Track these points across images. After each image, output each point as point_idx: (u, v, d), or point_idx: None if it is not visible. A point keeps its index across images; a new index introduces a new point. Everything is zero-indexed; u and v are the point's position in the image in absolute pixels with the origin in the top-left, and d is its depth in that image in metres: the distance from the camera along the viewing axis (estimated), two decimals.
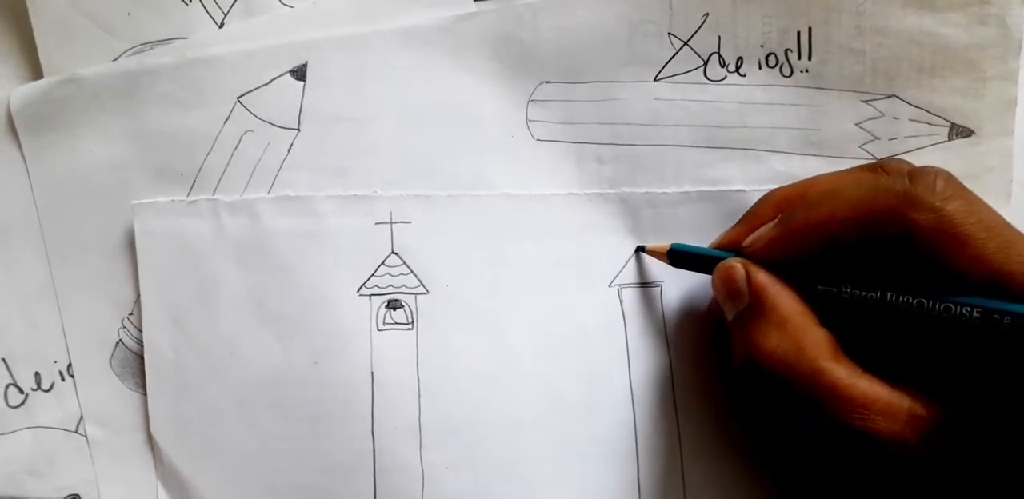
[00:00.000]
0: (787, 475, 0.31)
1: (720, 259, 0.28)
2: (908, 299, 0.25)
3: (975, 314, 0.24)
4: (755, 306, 0.27)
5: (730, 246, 0.29)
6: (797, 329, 0.26)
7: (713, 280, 0.28)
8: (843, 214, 0.25)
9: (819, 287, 0.26)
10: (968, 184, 0.24)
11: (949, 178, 0.25)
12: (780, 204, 0.29)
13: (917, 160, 0.33)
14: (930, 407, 0.24)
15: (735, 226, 0.30)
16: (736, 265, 0.28)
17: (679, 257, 0.30)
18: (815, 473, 0.29)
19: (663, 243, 0.31)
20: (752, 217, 0.30)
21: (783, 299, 0.26)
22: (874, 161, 0.29)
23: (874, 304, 0.26)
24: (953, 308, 0.24)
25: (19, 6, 0.32)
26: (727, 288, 0.28)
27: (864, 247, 0.25)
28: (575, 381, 0.31)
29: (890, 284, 0.25)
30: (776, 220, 0.28)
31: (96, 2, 0.32)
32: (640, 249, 0.32)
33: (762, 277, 0.27)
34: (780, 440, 0.30)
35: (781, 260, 0.27)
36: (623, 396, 0.31)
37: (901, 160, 0.28)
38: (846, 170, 0.30)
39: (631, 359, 0.32)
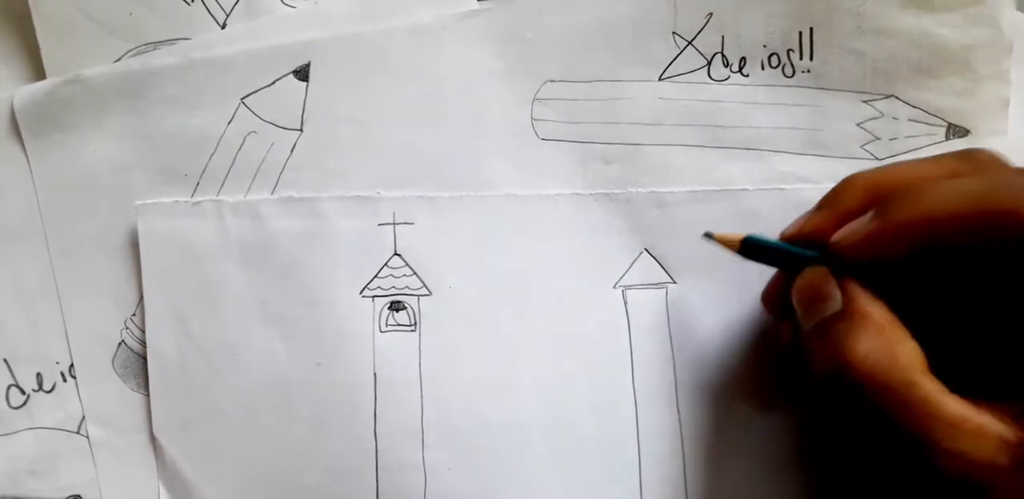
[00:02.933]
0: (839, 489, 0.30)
1: (798, 255, 0.26)
2: (1007, 313, 0.23)
3: None
4: (847, 312, 0.24)
5: (810, 236, 0.26)
6: (892, 338, 0.23)
7: (797, 285, 0.26)
8: (952, 210, 0.22)
9: (909, 295, 0.24)
10: None
11: None
12: (869, 192, 0.25)
13: None
14: (1021, 432, 0.22)
15: (814, 213, 0.27)
16: (825, 269, 0.25)
17: (753, 249, 0.27)
18: (880, 491, 0.27)
19: (735, 233, 0.28)
20: (835, 205, 0.26)
21: (876, 307, 0.24)
22: (961, 151, 0.26)
23: (967, 317, 0.24)
24: None
25: (22, 6, 0.32)
26: (814, 293, 0.25)
27: (966, 250, 0.23)
28: (578, 383, 0.31)
29: (986, 296, 0.23)
30: (871, 213, 0.24)
31: (98, 3, 0.32)
32: (708, 235, 0.28)
33: (854, 283, 0.24)
34: (854, 457, 0.28)
35: (873, 259, 0.24)
36: (626, 398, 0.31)
37: (993, 152, 0.25)
38: (934, 158, 0.26)
39: (635, 361, 0.32)
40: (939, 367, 0.23)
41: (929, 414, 0.22)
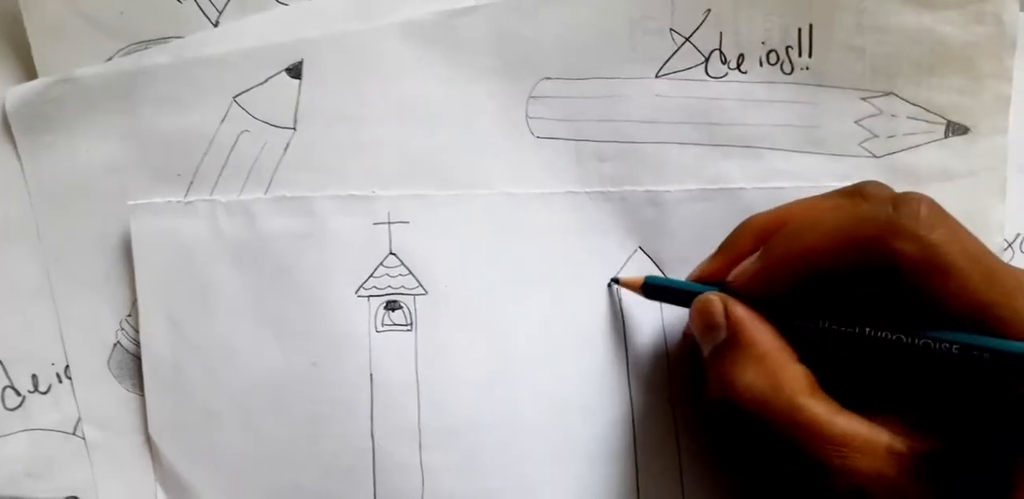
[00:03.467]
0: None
1: (697, 293, 0.28)
2: (887, 335, 0.24)
3: (954, 349, 0.23)
4: (732, 340, 0.26)
5: (709, 279, 0.29)
6: (775, 364, 0.25)
7: (691, 313, 0.28)
8: (824, 245, 0.24)
9: (797, 322, 0.26)
10: (964, 182, 0.24)
11: (932, 205, 0.24)
12: (759, 234, 0.28)
13: (916, 158, 0.32)
14: (910, 442, 0.23)
15: (712, 257, 0.29)
16: (714, 298, 0.27)
17: (654, 290, 0.30)
18: None
19: (637, 276, 0.30)
20: (730, 247, 0.29)
21: (761, 334, 0.26)
22: (852, 186, 0.28)
23: (853, 338, 0.25)
24: (933, 344, 0.24)
25: (12, 5, 0.31)
26: (704, 322, 0.27)
27: (846, 278, 0.24)
28: (574, 381, 0.31)
29: (870, 318, 0.25)
30: (757, 254, 0.27)
31: (89, 1, 0.31)
32: (614, 281, 0.31)
33: (740, 311, 0.26)
34: (760, 475, 0.29)
35: (763, 294, 0.26)
36: (622, 396, 0.31)
37: (880, 185, 0.27)
38: (824, 195, 0.28)
39: (630, 359, 0.32)
40: (837, 386, 0.25)
41: (817, 435, 0.23)
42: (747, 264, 0.27)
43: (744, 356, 0.25)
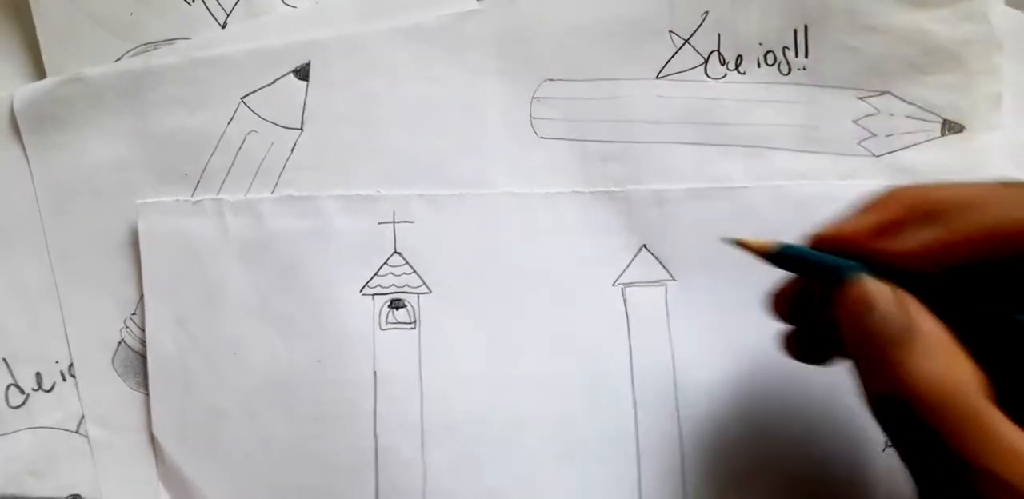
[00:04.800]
0: None
1: (839, 267, 0.24)
2: None
3: None
4: (907, 328, 0.22)
5: (847, 240, 0.24)
6: (955, 359, 0.21)
7: (846, 295, 0.23)
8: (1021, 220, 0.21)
9: (968, 308, 0.22)
10: (962, 179, 0.23)
11: None
12: (915, 205, 0.24)
13: (914, 156, 0.33)
14: None
15: (857, 216, 0.24)
16: (881, 284, 0.23)
17: (787, 261, 0.25)
18: None
19: (767, 240, 0.25)
20: (880, 211, 0.24)
21: (933, 323, 0.22)
22: (1003, 180, 0.24)
23: (1013, 336, 0.22)
24: None
25: (22, 5, 0.32)
26: (866, 306, 0.23)
27: (1013, 266, 0.22)
28: (578, 380, 0.31)
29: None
30: (935, 223, 0.23)
31: (99, 2, 0.32)
32: (734, 242, 0.26)
33: (908, 297, 0.22)
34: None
35: (932, 271, 0.23)
36: (625, 396, 0.31)
37: None
38: (978, 183, 0.25)
39: (634, 359, 0.32)
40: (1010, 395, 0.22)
41: (996, 442, 0.21)
42: (920, 232, 0.23)
43: (920, 348, 0.22)
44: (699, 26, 0.33)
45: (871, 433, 0.30)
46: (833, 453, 0.31)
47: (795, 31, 0.33)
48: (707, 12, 0.32)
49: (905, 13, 0.32)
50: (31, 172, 0.32)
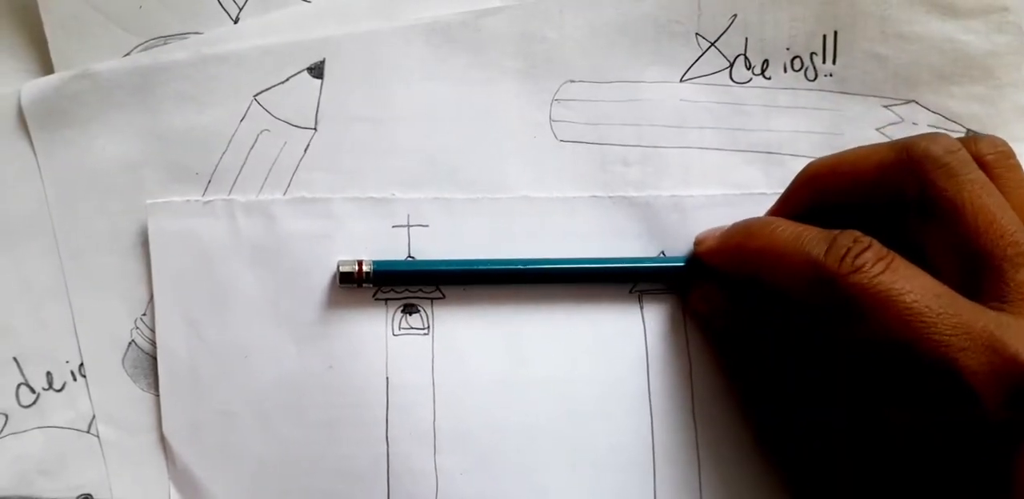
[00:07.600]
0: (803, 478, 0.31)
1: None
2: None
3: None
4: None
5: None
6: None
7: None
8: (866, 177, 0.26)
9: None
10: None
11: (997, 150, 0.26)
12: (811, 182, 0.29)
13: None
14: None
15: (772, 209, 0.31)
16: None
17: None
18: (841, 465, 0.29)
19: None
20: (788, 197, 0.30)
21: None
22: (904, 139, 0.27)
23: None
24: None
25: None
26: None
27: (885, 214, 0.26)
28: (592, 387, 0.31)
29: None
30: (726, 229, 0.29)
31: None
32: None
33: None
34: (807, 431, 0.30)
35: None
36: (641, 404, 0.31)
37: (928, 149, 0.26)
38: (874, 146, 0.28)
39: (650, 366, 0.31)
40: None
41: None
42: (713, 233, 0.30)
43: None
44: (726, 29, 0.32)
45: None
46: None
47: (824, 37, 0.32)
48: (735, 15, 0.32)
49: (936, 22, 0.32)
50: (39, 169, 0.31)
